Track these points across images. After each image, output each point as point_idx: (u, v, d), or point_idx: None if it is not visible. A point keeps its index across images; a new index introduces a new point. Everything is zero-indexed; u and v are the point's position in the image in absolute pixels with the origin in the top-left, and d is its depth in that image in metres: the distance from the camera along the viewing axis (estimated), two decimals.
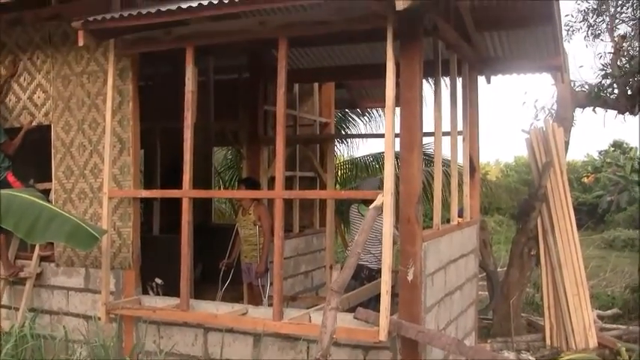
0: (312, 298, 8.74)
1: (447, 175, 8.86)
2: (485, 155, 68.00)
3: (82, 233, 5.46)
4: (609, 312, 10.42)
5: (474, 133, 7.61)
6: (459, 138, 7.06)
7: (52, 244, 6.78)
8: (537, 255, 8.57)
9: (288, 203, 9.30)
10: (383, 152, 5.84)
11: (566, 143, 9.13)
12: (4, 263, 6.90)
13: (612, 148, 32.96)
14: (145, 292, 6.71)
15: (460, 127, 7.16)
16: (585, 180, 32.85)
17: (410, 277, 5.41)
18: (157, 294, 6.59)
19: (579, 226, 27.15)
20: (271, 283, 8.16)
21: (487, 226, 9.47)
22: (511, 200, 15.99)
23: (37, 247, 6.86)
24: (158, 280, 6.55)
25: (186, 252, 6.01)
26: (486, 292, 10.09)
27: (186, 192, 6.03)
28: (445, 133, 6.63)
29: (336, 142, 15.55)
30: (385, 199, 5.20)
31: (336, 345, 5.63)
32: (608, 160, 32.36)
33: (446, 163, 8.29)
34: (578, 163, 35.58)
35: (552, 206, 8.46)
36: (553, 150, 8.61)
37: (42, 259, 6.92)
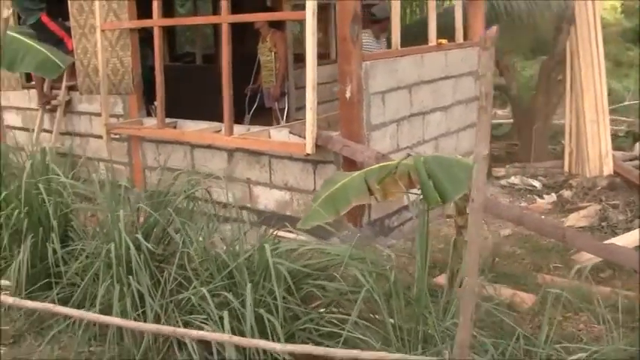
0: None
1: None
2: None
3: (50, 63, 6.22)
4: None
5: None
6: None
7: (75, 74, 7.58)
8: (564, 80, 8.24)
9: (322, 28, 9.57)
10: None
11: None
12: (38, 93, 7.86)
13: None
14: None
15: None
16: None
17: (348, 95, 5.67)
18: None
19: None
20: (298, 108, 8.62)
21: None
22: None
23: (64, 78, 7.65)
24: (157, 103, 7.17)
25: (160, 77, 6.58)
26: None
27: (157, 21, 6.57)
28: None
29: None
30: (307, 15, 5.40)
31: (290, 159, 6.13)
32: None
33: None
34: None
35: (579, 27, 8.01)
36: None
37: (69, 88, 7.78)
